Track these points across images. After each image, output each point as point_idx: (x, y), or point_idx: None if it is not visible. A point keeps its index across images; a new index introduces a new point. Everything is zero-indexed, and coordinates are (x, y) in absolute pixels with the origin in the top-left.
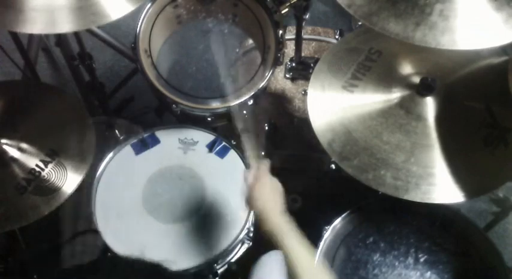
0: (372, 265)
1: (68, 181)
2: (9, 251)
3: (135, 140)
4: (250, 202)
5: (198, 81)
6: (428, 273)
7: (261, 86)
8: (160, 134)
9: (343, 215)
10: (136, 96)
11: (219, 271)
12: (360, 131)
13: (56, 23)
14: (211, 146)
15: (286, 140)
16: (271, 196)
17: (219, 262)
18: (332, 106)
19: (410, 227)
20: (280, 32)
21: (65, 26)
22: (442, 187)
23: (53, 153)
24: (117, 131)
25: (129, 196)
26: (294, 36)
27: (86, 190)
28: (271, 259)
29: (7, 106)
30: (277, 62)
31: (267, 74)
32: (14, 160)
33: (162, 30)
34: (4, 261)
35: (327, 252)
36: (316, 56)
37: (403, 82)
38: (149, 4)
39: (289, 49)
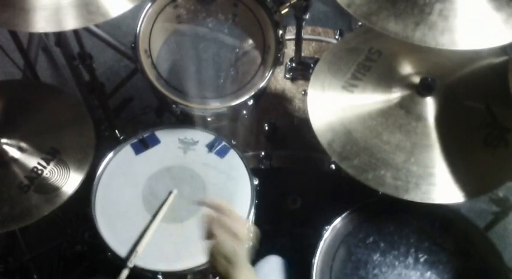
0: (372, 265)
1: (71, 178)
2: (9, 251)
3: (135, 140)
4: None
5: (198, 81)
6: (428, 273)
7: (261, 86)
8: (160, 134)
9: (343, 215)
10: (136, 96)
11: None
12: (360, 131)
13: (56, 21)
14: (211, 146)
15: (286, 140)
16: None
17: None
18: (332, 106)
19: (410, 227)
20: (280, 32)
21: (66, 23)
22: (442, 187)
23: (53, 151)
24: (117, 131)
25: (129, 196)
26: (294, 36)
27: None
28: (268, 263)
29: (7, 106)
30: (277, 62)
31: (267, 74)
32: (15, 159)
33: (162, 30)
34: (4, 261)
35: (327, 252)
36: (316, 56)
37: (403, 82)
38: (149, 4)
39: (289, 50)
